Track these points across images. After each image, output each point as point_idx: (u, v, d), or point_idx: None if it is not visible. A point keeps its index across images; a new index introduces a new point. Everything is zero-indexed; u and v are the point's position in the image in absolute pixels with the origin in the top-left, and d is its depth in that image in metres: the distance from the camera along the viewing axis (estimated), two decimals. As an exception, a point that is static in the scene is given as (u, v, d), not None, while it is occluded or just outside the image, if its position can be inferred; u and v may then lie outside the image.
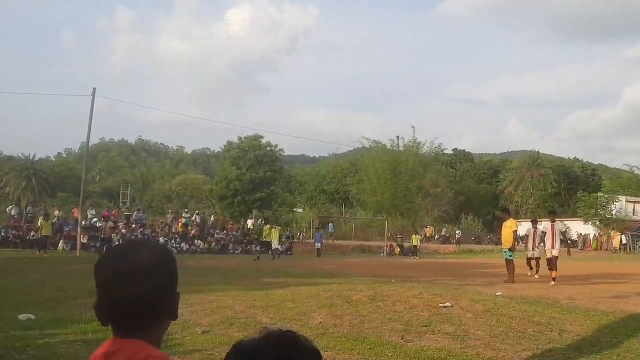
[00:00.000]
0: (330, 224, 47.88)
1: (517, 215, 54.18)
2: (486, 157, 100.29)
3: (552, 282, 14.71)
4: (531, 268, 17.80)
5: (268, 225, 30.32)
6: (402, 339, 6.91)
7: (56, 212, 33.89)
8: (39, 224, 26.43)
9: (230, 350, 1.23)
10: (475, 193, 70.17)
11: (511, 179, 72.88)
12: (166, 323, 1.50)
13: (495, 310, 8.95)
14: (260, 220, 42.71)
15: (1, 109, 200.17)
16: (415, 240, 37.87)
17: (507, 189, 72.42)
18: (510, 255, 15.72)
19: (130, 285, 1.38)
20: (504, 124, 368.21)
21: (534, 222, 18.36)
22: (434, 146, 68.10)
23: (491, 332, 7.35)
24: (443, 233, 53.57)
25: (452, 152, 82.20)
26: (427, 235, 50.60)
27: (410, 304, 9.38)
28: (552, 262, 15.57)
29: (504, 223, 16.74)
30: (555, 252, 15.77)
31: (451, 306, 9.20)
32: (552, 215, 17.50)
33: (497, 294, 11.56)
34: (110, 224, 27.12)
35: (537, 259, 17.65)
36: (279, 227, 31.44)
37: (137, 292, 1.38)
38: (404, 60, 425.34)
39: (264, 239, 25.51)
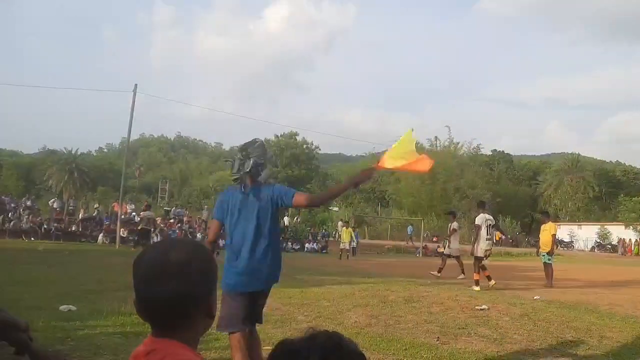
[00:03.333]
0: (410, 227, 46.67)
1: (557, 219, 53.38)
2: (525, 158, 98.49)
3: (474, 287, 13.16)
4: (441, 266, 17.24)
5: (344, 227, 31.95)
6: (437, 340, 6.87)
7: (96, 206, 34.66)
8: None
9: (275, 348, 1.24)
10: (513, 195, 69.00)
11: (550, 181, 71.60)
12: (204, 322, 1.50)
13: (533, 314, 8.84)
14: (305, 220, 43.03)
15: (46, 104, 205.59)
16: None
17: (546, 192, 71.19)
18: (548, 259, 15.44)
19: (159, 287, 1.39)
20: (543, 126, 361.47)
21: (451, 214, 18.71)
22: (472, 147, 67.71)
23: (528, 337, 7.26)
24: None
25: (490, 153, 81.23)
26: (497, 239, 49.62)
27: (446, 306, 9.33)
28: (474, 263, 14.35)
29: (542, 226, 16.43)
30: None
31: (488, 309, 9.12)
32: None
33: (535, 297, 11.40)
34: (149, 213, 25.90)
35: (457, 257, 17.32)
36: (350, 229, 32.45)
37: (166, 294, 1.38)
38: (442, 59, 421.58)
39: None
